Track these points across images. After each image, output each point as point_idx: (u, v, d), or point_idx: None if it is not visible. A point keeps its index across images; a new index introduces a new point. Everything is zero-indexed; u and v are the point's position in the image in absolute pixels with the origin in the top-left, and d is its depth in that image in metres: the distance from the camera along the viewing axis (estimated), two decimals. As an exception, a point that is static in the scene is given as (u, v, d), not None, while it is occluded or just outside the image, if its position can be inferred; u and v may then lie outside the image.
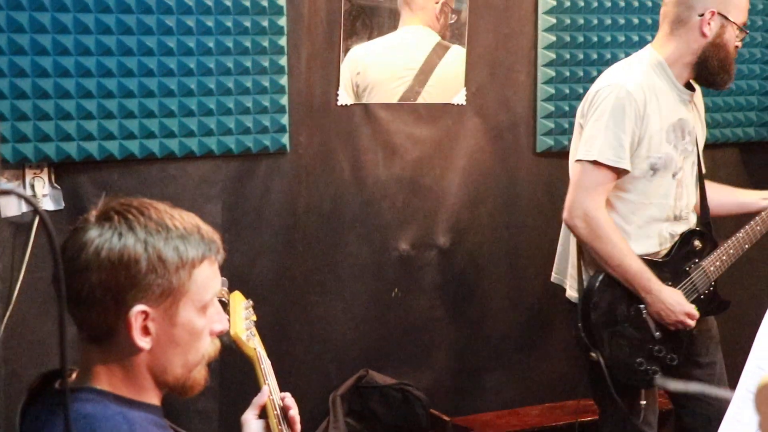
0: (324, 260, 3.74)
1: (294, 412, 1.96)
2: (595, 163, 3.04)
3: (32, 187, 3.15)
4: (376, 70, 3.71)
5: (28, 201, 0.92)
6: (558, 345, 4.16)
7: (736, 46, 3.18)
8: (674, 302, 3.13)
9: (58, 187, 3.20)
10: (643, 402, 3.21)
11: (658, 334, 3.17)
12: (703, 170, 3.33)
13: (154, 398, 1.65)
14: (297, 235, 3.67)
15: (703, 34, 3.11)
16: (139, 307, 1.56)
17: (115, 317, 1.56)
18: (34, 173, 3.17)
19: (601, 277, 3.14)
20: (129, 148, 3.26)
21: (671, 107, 3.16)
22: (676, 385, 3.17)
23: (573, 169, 3.16)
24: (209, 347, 1.68)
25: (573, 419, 3.88)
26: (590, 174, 3.06)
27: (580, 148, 3.12)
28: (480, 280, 4.04)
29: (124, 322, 1.56)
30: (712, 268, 3.23)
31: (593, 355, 3.12)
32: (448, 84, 3.84)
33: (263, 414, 1.95)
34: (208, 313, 1.66)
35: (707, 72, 3.17)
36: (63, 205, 3.21)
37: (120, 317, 1.56)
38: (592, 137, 3.06)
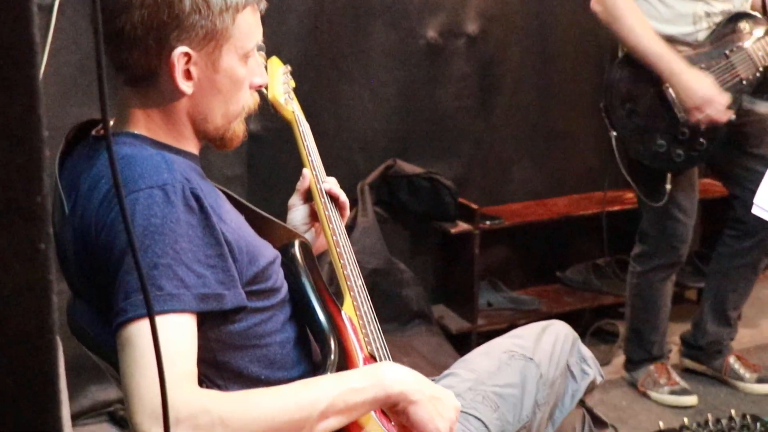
0: (350, 48, 3.65)
1: (343, 198, 1.92)
2: None
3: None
4: None
5: None
6: (586, 137, 4.12)
7: None
8: (697, 86, 3.00)
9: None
10: (668, 186, 3.18)
11: (682, 116, 3.08)
12: None
13: (192, 147, 1.65)
14: (322, 22, 3.56)
15: None
16: (181, 49, 1.53)
17: (158, 58, 1.53)
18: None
19: (622, 57, 3.12)
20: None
21: None
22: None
23: None
24: (249, 100, 1.67)
25: (600, 209, 3.88)
26: None
27: None
28: (509, 69, 3.96)
29: (166, 64, 1.54)
30: (760, 53, 3.07)
31: (612, 134, 3.16)
32: None
33: (309, 198, 1.92)
34: (249, 64, 1.63)
35: None
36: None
37: (162, 59, 1.53)
38: None
